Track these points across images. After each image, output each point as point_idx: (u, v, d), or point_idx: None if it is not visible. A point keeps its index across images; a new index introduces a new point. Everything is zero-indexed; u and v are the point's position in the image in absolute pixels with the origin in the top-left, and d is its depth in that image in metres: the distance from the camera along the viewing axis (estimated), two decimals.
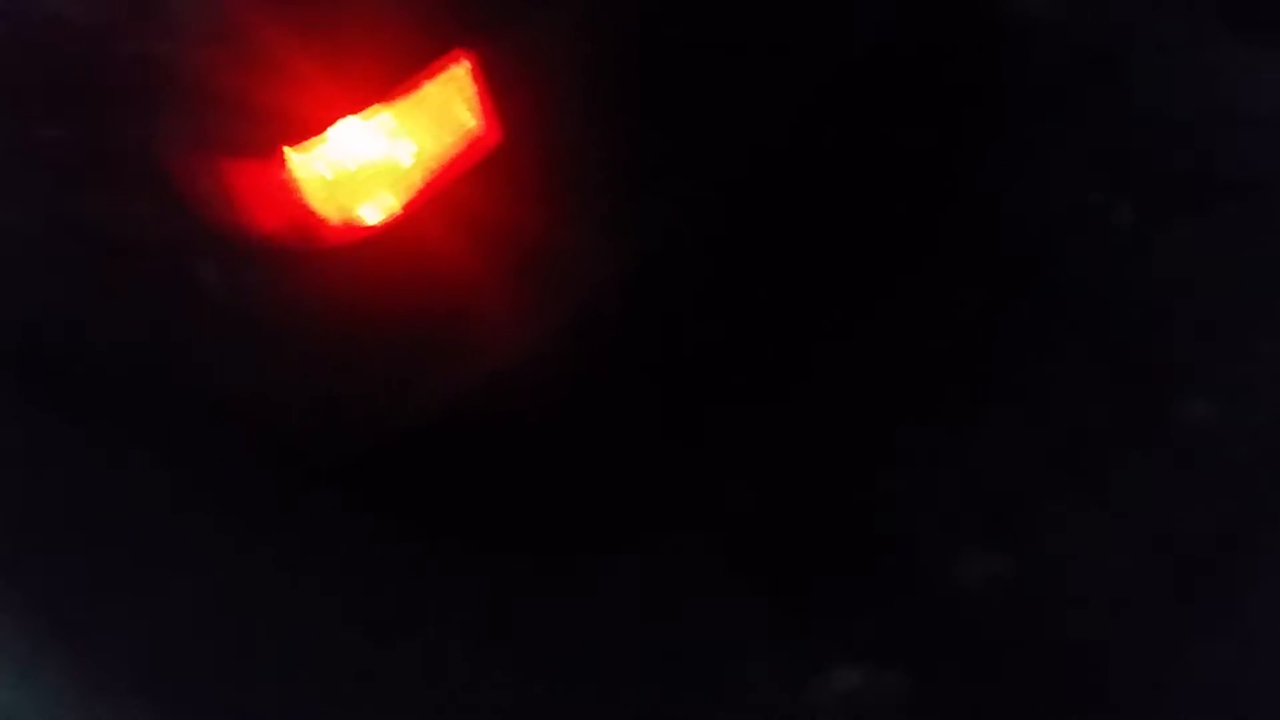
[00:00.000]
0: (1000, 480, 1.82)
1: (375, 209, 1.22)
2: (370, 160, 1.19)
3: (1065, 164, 2.28)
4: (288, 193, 1.17)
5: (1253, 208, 2.14)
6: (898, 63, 2.11)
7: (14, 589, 1.91)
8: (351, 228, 1.22)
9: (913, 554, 1.75)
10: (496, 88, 1.21)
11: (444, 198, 1.25)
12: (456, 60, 1.17)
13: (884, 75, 2.06)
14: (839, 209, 2.17)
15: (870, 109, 2.09)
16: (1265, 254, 2.07)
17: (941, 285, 2.11)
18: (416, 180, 1.23)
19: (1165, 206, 2.16)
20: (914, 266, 2.14)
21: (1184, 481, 1.78)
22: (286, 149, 1.14)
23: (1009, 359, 1.98)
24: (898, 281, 2.12)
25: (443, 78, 1.17)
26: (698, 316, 1.96)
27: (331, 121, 1.14)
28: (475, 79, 1.19)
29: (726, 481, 1.87)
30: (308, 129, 1.14)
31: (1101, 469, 1.81)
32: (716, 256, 1.79)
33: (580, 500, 1.87)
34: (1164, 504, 1.75)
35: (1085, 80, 2.43)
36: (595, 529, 1.85)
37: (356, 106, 1.15)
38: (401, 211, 1.23)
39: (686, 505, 1.85)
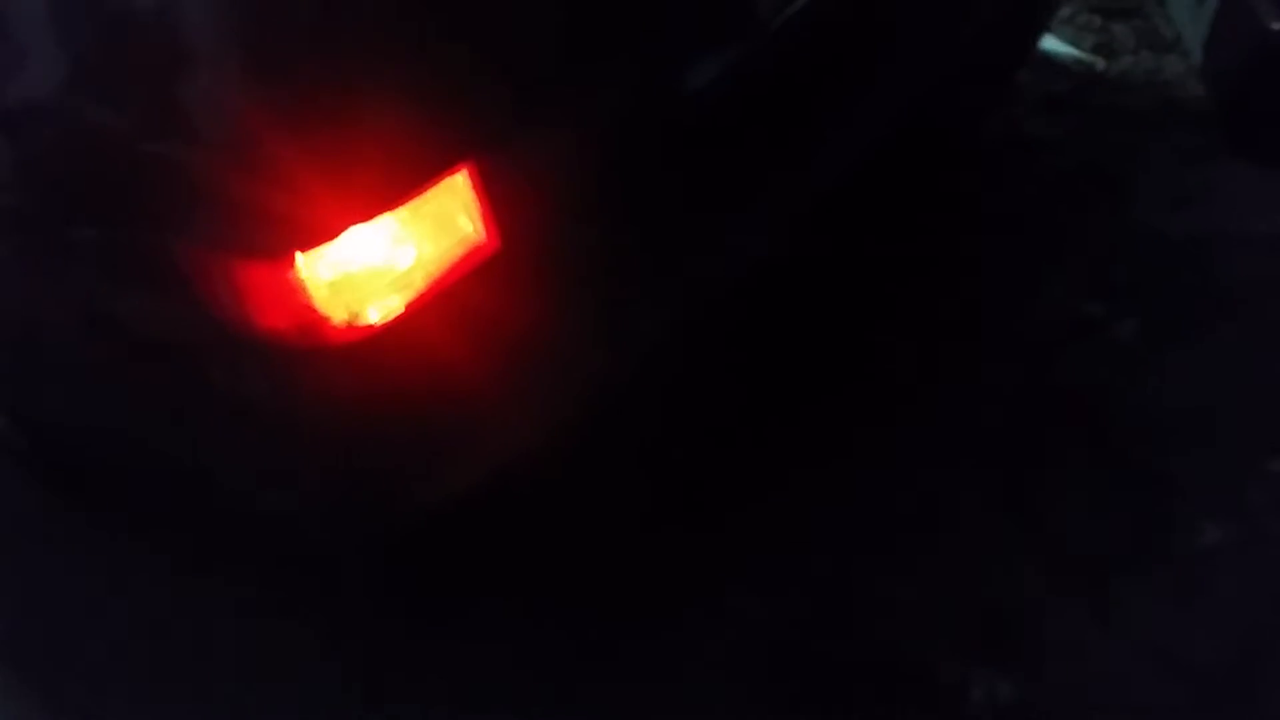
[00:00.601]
0: (1003, 596, 1.82)
1: (378, 309, 1.26)
2: (373, 263, 1.24)
3: (1068, 276, 2.31)
4: (294, 293, 1.21)
5: (1255, 327, 2.16)
6: (903, 171, 2.17)
7: (15, 673, 1.93)
8: (355, 327, 1.26)
9: (912, 669, 1.75)
10: (495, 196, 1.26)
11: (445, 299, 1.30)
12: (456, 169, 1.22)
13: (889, 183, 2.11)
14: (837, 314, 2.21)
15: (873, 216, 2.15)
16: (1269, 373, 2.09)
17: (944, 393, 2.13)
18: (418, 282, 1.27)
19: (1165, 323, 2.19)
20: (916, 373, 2.17)
21: (1193, 602, 1.77)
22: (294, 251, 1.19)
23: (1010, 470, 1.99)
24: (899, 387, 2.15)
25: (443, 186, 1.22)
26: (695, 415, 1.99)
27: (338, 227, 1.19)
28: (474, 188, 1.24)
29: (727, 581, 1.88)
30: (315, 233, 1.19)
31: (1104, 589, 1.80)
32: (713, 356, 1.83)
33: (576, 595, 1.89)
34: (1172, 624, 1.74)
35: (1087, 195, 2.48)
36: (590, 624, 1.86)
37: (362, 213, 1.20)
38: (403, 311, 1.28)
39: (685, 604, 1.86)
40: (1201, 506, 1.89)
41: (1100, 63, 2.85)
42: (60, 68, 1.33)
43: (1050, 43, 2.83)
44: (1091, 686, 1.69)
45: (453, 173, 1.22)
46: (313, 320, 1.23)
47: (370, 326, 1.26)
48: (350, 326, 1.25)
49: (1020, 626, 1.77)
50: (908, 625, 1.80)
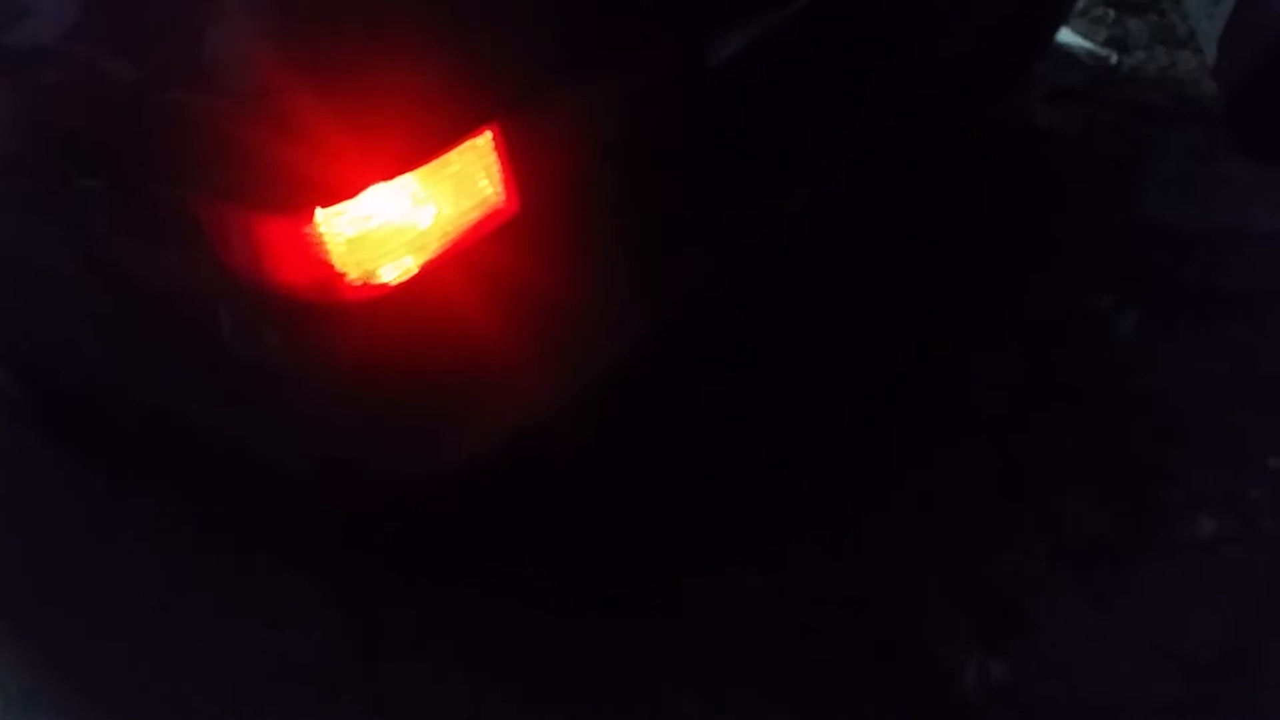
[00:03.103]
0: (1000, 578, 1.83)
1: (394, 268, 1.26)
2: (391, 222, 1.23)
3: (1073, 266, 2.32)
4: (310, 248, 1.21)
5: (1258, 323, 2.17)
6: (921, 157, 2.17)
7: (16, 627, 1.92)
8: (369, 285, 1.26)
9: (906, 649, 1.76)
10: (517, 159, 1.25)
11: (461, 260, 1.29)
12: (479, 131, 1.22)
13: (906, 168, 2.11)
14: (850, 294, 2.21)
15: (889, 199, 2.15)
16: (1270, 370, 2.10)
17: (946, 378, 2.14)
18: (435, 243, 1.26)
19: (1170, 316, 2.20)
20: (918, 357, 2.17)
21: (1188, 592, 1.79)
22: (314, 207, 1.18)
23: (1010, 455, 2.00)
24: (901, 371, 2.15)
25: (465, 147, 1.21)
26: (713, 385, 1.99)
27: (360, 184, 1.19)
28: (497, 150, 1.24)
29: (726, 555, 1.88)
30: (336, 189, 1.18)
31: (1103, 575, 1.82)
32: (732, 326, 1.83)
33: (589, 564, 1.90)
34: (1167, 613, 1.76)
35: (1098, 188, 2.48)
36: (599, 595, 1.87)
37: (385, 171, 1.19)
38: (419, 272, 1.27)
39: (683, 573, 1.86)
40: (1199, 499, 1.91)
41: (1114, 56, 2.84)
42: (78, 11, 1.32)
43: (1065, 35, 2.82)
44: (1084, 671, 1.70)
45: (477, 134, 1.21)
46: (328, 276, 1.23)
47: (385, 285, 1.26)
48: (365, 284, 1.25)
49: (1015, 609, 1.79)
50: (903, 605, 1.81)
